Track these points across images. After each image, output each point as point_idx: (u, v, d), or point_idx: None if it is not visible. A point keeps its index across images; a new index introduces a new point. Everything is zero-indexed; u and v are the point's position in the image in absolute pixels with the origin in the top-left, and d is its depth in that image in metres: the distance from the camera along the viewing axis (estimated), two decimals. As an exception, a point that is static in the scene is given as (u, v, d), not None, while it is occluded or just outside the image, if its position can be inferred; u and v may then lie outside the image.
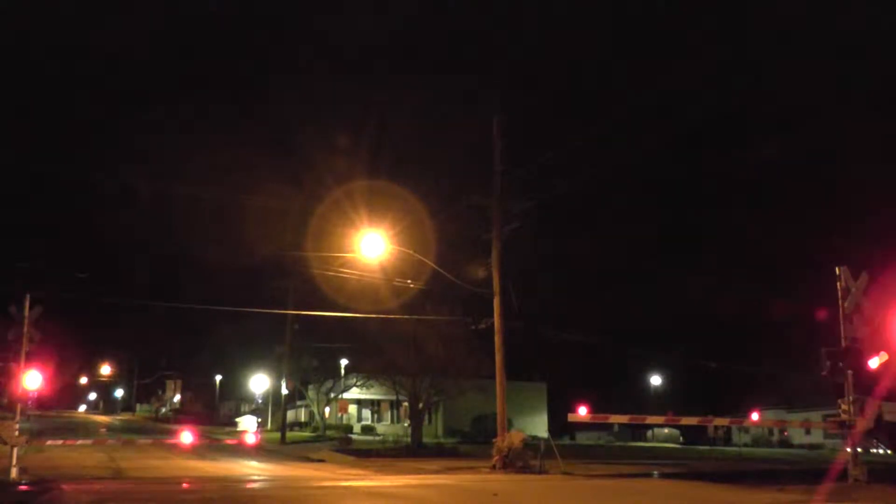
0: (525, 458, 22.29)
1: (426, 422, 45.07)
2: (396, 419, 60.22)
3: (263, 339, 54.80)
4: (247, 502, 14.26)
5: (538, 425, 51.84)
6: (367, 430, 57.28)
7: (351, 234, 23.87)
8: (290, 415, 59.10)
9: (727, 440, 62.14)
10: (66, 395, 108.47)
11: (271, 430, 56.62)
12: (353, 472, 23.22)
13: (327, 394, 51.17)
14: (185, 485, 17.31)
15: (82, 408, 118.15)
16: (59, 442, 28.61)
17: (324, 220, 27.00)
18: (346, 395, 53.88)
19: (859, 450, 17.19)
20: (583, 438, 60.97)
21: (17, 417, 17.51)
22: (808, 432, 55.95)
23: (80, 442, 29.24)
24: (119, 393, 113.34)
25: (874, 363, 16.42)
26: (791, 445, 57.67)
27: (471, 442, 41.81)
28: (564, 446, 32.19)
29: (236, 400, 79.50)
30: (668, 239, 77.13)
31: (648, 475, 22.94)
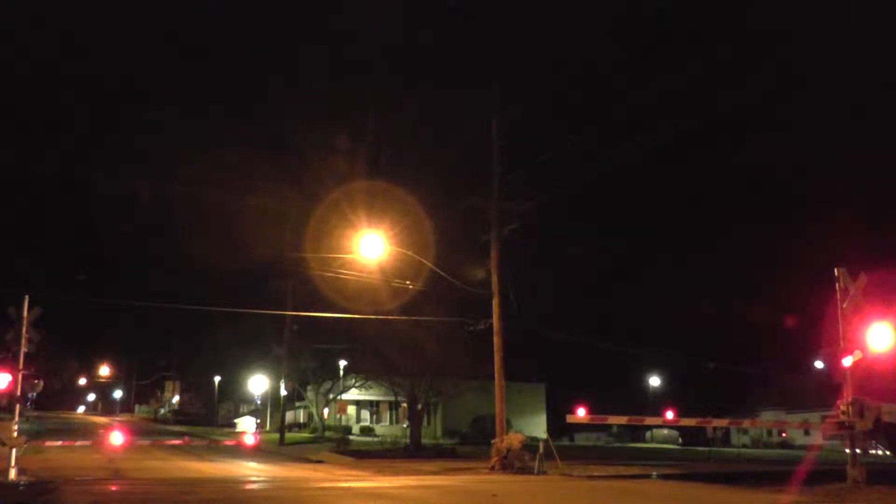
0: (524, 459, 22.30)
1: (425, 423, 45.09)
2: (395, 420, 60.23)
3: (262, 340, 54.77)
4: (246, 503, 14.27)
5: (537, 426, 51.84)
6: (365, 431, 57.26)
7: (350, 235, 23.90)
8: (289, 416, 59.09)
9: (726, 441, 62.20)
10: (65, 396, 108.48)
11: (270, 431, 56.60)
12: (352, 473, 23.21)
13: (326, 395, 51.18)
14: (183, 486, 17.30)
15: (81, 409, 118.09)
16: (58, 443, 28.55)
17: (323, 221, 27.03)
18: (344, 397, 53.87)
19: (858, 451, 17.20)
20: (581, 439, 61.07)
21: (16, 418, 17.50)
22: (807, 433, 55.95)
23: (78, 443, 29.15)
24: (118, 394, 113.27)
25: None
26: (790, 446, 57.69)
27: (469, 443, 41.82)
28: (563, 447, 32.22)
29: (235, 401, 79.45)
30: (667, 239, 77.16)
31: (647, 476, 22.95)
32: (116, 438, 26.21)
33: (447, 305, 28.42)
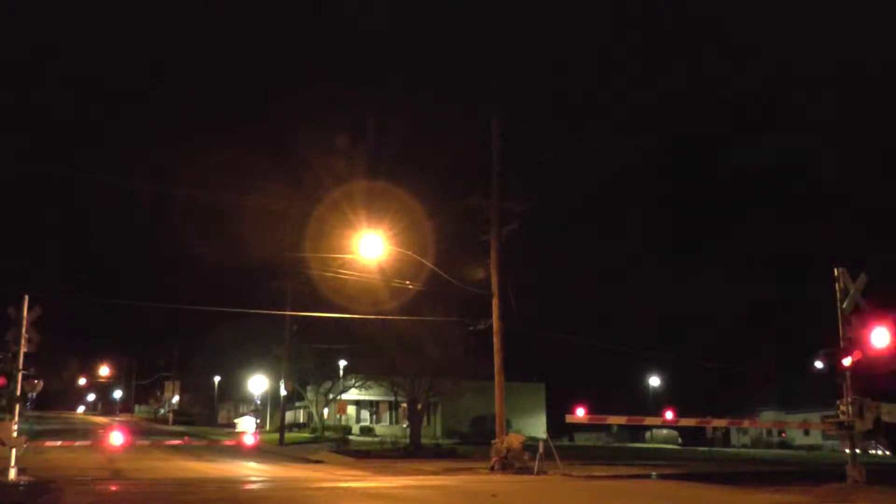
0: (523, 460, 22.30)
1: (425, 423, 45.06)
2: (395, 420, 60.21)
3: (262, 340, 54.72)
4: (245, 503, 14.27)
5: (537, 426, 51.83)
6: (365, 431, 57.24)
7: (350, 235, 23.88)
8: (289, 416, 59.06)
9: (726, 441, 62.20)
10: (65, 396, 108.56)
11: (270, 431, 56.58)
12: (352, 472, 23.21)
13: (326, 395, 51.17)
14: (183, 486, 17.30)
15: (81, 409, 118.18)
16: (58, 443, 28.59)
17: (322, 221, 26.99)
18: (344, 397, 53.83)
19: (858, 451, 17.21)
20: (581, 439, 61.00)
21: (16, 418, 17.49)
22: (806, 433, 55.96)
23: (78, 443, 29.19)
24: (118, 394, 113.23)
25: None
26: (790, 446, 57.69)
27: (469, 443, 41.79)
28: (563, 447, 32.19)
29: (235, 401, 79.40)
30: (667, 239, 77.19)
31: (647, 476, 22.95)
32: (116, 438, 26.21)
33: (447, 305, 28.44)
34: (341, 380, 50.90)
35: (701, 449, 51.10)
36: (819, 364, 16.76)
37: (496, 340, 23.93)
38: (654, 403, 64.89)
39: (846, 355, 16.50)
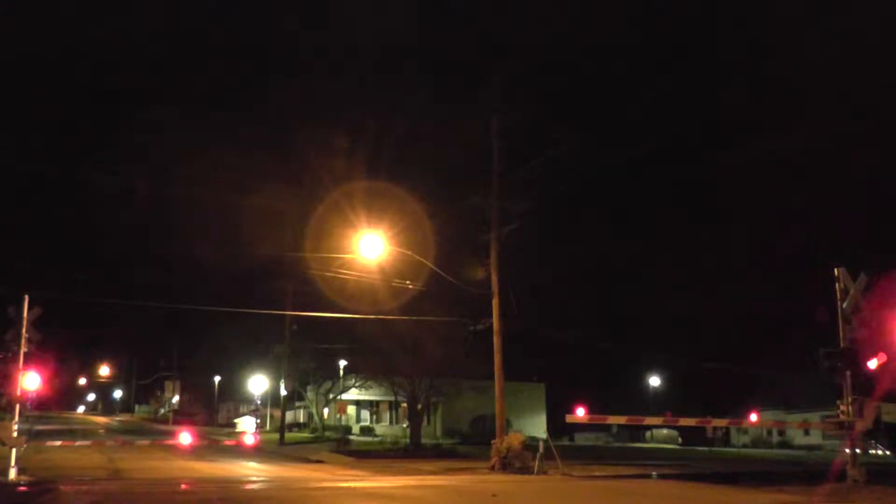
0: (524, 459, 22.29)
1: (425, 423, 45.08)
2: (395, 420, 60.23)
3: (262, 340, 54.77)
4: (245, 503, 14.27)
5: (537, 426, 51.84)
6: (365, 430, 57.25)
7: (350, 235, 23.89)
8: (289, 416, 59.08)
9: (726, 441, 62.13)
10: (65, 395, 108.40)
11: (270, 431, 56.60)
12: (352, 472, 23.22)
13: (326, 395, 51.20)
14: (183, 486, 17.31)
15: (81, 409, 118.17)
16: (58, 443, 28.57)
17: (323, 221, 27.00)
18: (344, 396, 53.86)
19: (858, 451, 17.20)
20: (581, 439, 61.01)
21: (16, 418, 17.49)
22: (807, 433, 55.91)
23: (78, 443, 29.19)
24: (118, 394, 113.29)
25: (873, 364, 16.44)
26: (790, 446, 57.65)
27: (469, 443, 41.79)
28: (563, 447, 32.19)
29: (235, 401, 79.41)
30: (667, 239, 77.13)
31: (647, 476, 22.95)
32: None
33: (447, 305, 28.42)
34: (341, 380, 50.94)
35: (701, 449, 51.07)
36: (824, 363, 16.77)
37: (496, 340, 23.93)
38: (654, 403, 64.87)
39: (854, 355, 16.49)
